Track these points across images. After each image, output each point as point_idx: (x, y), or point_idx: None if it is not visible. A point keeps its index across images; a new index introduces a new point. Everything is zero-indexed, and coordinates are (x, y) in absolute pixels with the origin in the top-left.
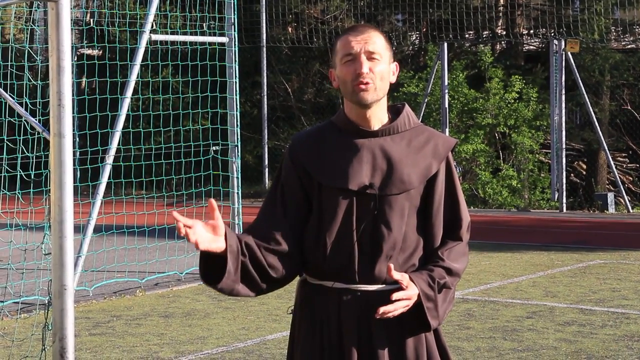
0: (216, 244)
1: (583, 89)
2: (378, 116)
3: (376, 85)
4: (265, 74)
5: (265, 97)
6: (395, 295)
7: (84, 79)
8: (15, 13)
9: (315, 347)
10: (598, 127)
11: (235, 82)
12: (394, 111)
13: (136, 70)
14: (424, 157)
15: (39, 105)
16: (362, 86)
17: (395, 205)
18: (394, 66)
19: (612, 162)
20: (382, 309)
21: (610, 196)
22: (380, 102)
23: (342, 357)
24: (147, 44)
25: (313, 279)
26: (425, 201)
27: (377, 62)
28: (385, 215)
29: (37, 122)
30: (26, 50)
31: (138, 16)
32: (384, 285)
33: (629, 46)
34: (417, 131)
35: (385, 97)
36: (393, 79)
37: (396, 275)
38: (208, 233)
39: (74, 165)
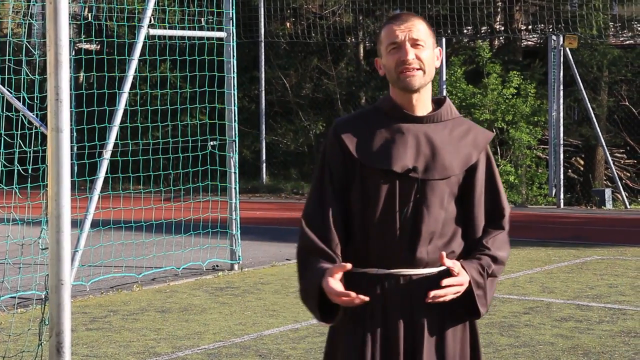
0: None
1: (581, 84)
2: (424, 102)
3: (424, 70)
4: (263, 69)
5: (263, 92)
6: (445, 281)
7: (81, 74)
8: (13, 7)
9: (358, 336)
10: (596, 123)
11: (233, 77)
12: (437, 102)
13: (134, 65)
14: (464, 146)
15: (37, 100)
16: (408, 72)
17: (437, 190)
18: (437, 51)
19: (609, 158)
20: (432, 293)
21: (608, 192)
22: (426, 88)
23: (388, 344)
24: (145, 39)
25: (356, 267)
26: (464, 191)
27: (422, 48)
28: (427, 199)
29: (34, 116)
30: (24, 45)
31: (136, 11)
32: (425, 270)
33: (627, 42)
34: (458, 122)
35: (431, 83)
36: (437, 64)
37: (448, 262)
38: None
39: (72, 160)
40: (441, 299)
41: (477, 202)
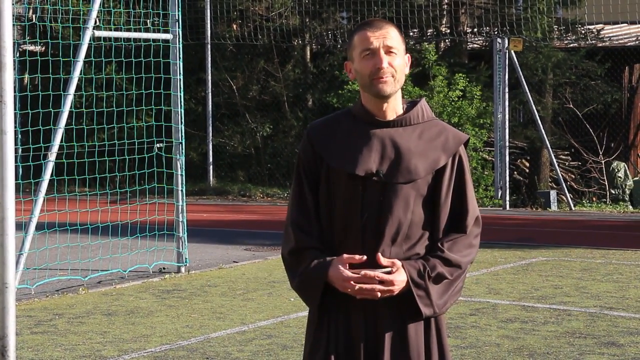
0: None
1: (526, 87)
2: (393, 108)
3: (396, 78)
4: (209, 71)
5: (210, 94)
6: (366, 272)
7: (26, 76)
8: None
9: (322, 335)
10: (541, 125)
11: (180, 79)
12: (410, 104)
13: (79, 66)
14: (433, 150)
15: None
16: (382, 79)
17: (401, 193)
18: (407, 58)
19: (554, 160)
20: (357, 286)
21: (553, 194)
22: (396, 94)
23: (350, 344)
24: (90, 41)
25: None
26: (432, 194)
27: (395, 56)
28: (391, 202)
29: None
30: None
31: (81, 12)
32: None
33: (571, 45)
34: (431, 124)
35: (400, 89)
36: (407, 71)
37: (385, 261)
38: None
39: (16, 162)
40: (369, 295)
41: (442, 204)
